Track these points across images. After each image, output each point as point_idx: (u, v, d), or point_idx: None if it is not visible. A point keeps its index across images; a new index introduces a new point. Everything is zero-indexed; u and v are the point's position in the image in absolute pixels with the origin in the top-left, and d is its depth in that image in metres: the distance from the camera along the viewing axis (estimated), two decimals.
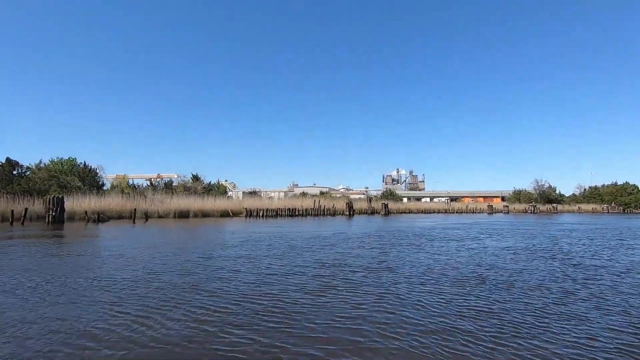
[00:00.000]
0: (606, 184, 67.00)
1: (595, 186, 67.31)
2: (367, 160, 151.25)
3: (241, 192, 40.72)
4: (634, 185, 64.45)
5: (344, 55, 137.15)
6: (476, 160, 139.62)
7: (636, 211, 62.94)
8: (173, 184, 34.49)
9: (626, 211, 62.09)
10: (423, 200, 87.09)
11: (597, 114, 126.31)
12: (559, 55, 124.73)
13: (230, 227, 18.79)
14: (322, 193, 50.27)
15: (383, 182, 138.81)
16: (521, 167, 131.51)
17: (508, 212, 54.10)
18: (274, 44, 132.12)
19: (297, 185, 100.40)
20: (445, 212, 53.39)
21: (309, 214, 34.05)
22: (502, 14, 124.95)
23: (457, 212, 53.78)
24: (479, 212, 53.78)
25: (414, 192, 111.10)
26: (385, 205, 38.70)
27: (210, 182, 37.30)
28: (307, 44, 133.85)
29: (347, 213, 35.58)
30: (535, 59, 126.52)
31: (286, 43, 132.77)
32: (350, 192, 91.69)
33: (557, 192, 65.08)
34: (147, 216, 24.89)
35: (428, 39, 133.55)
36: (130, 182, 39.82)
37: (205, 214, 28.83)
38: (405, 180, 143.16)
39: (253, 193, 41.17)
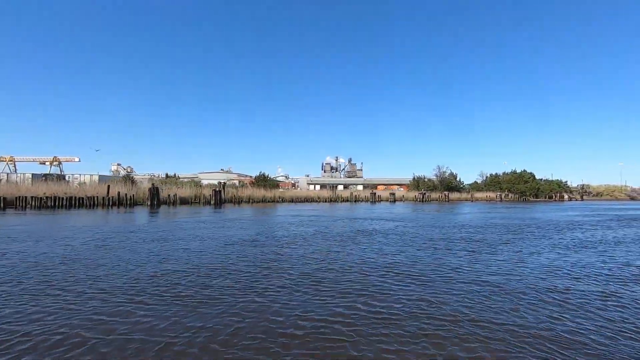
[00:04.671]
0: (507, 171, 65.75)
1: (496, 174, 65.80)
2: (313, 148, 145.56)
3: (30, 174, 30.84)
4: (531, 173, 63.67)
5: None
6: (414, 148, 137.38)
7: (531, 199, 62.09)
8: None
9: (521, 199, 60.91)
10: (339, 187, 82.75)
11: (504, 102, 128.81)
12: (477, 46, 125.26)
13: None
14: (165, 178, 41.83)
15: (322, 169, 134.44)
16: (444, 154, 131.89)
17: (394, 201, 49.52)
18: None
19: (230, 171, 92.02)
20: (330, 202, 47.68)
21: (95, 204, 25.68)
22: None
23: (342, 201, 48.31)
24: (363, 202, 48.69)
25: (349, 179, 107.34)
26: (217, 193, 31.42)
27: None
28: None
29: (149, 203, 27.68)
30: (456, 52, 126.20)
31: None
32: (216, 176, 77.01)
33: (458, 179, 62.46)
34: None
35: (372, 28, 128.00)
36: None
37: None
38: (344, 168, 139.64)
39: (50, 176, 31.58)
